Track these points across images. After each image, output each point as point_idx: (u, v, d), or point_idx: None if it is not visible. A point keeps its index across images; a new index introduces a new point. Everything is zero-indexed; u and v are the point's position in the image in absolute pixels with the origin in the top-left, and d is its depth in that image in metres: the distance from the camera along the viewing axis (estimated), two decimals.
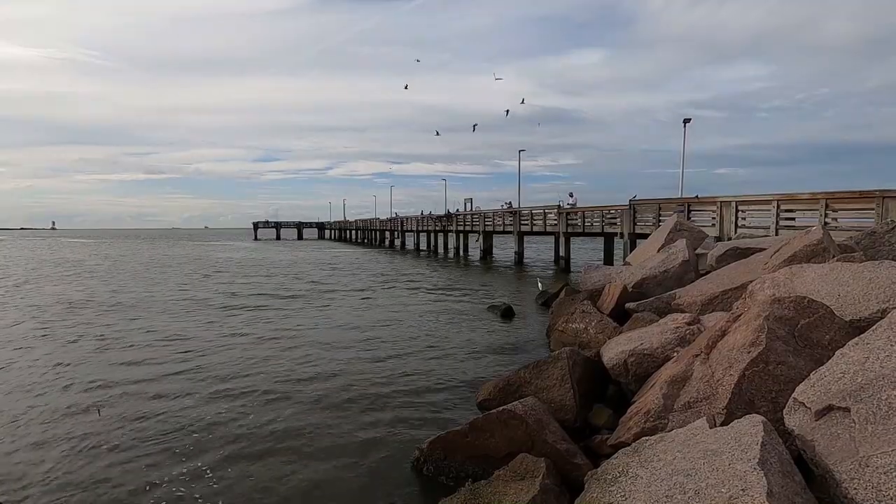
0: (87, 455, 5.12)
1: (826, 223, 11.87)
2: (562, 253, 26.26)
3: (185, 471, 4.76)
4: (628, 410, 4.66)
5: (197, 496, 4.35)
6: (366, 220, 72.08)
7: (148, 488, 4.48)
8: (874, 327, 3.42)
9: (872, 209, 11.41)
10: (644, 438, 3.60)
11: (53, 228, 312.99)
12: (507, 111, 40.79)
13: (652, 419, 4.15)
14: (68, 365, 8.33)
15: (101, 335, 10.57)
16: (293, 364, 8.33)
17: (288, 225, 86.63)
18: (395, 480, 4.60)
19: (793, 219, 13.50)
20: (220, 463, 4.92)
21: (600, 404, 5.48)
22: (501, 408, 4.53)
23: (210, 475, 4.69)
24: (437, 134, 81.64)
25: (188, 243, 68.61)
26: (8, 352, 9.26)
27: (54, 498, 4.34)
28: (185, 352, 9.14)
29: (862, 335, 3.44)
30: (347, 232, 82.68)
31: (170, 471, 4.77)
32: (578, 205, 25.97)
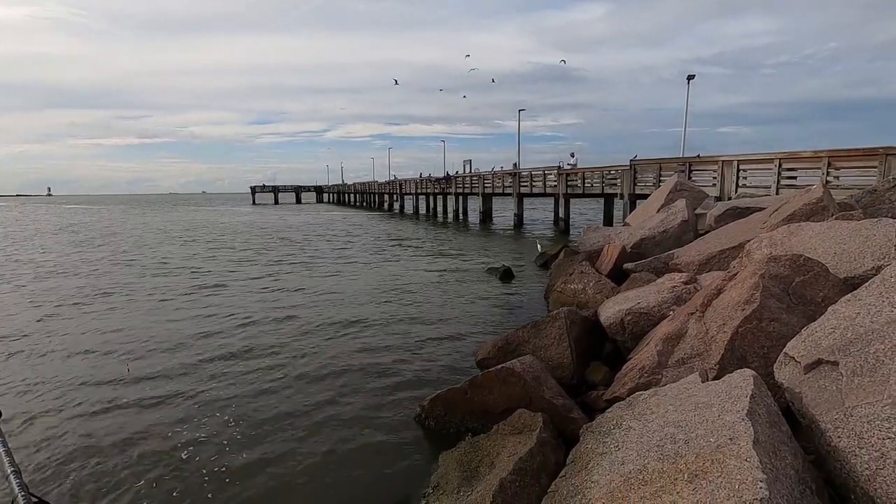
0: (105, 416, 5.30)
1: (828, 181, 11.78)
2: (561, 214, 26.17)
3: (201, 429, 4.94)
4: (624, 367, 4.77)
5: (214, 447, 4.53)
6: (364, 184, 71.43)
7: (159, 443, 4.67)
8: (867, 283, 3.45)
9: (875, 167, 11.30)
10: (638, 393, 3.71)
11: (50, 195, 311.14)
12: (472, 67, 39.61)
13: (646, 375, 4.26)
14: (117, 331, 8.51)
15: (105, 299, 10.74)
16: (297, 327, 8.48)
17: (286, 189, 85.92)
18: (397, 435, 4.77)
19: (794, 178, 13.36)
20: (237, 414, 5.11)
21: (597, 362, 5.61)
22: (500, 366, 4.64)
23: (227, 425, 4.87)
24: (396, 83, 76.86)
25: (188, 209, 68.38)
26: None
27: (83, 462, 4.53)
28: (187, 315, 9.30)
29: (855, 291, 3.48)
30: (346, 195, 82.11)
31: (182, 432, 4.95)
32: (579, 165, 25.69)
